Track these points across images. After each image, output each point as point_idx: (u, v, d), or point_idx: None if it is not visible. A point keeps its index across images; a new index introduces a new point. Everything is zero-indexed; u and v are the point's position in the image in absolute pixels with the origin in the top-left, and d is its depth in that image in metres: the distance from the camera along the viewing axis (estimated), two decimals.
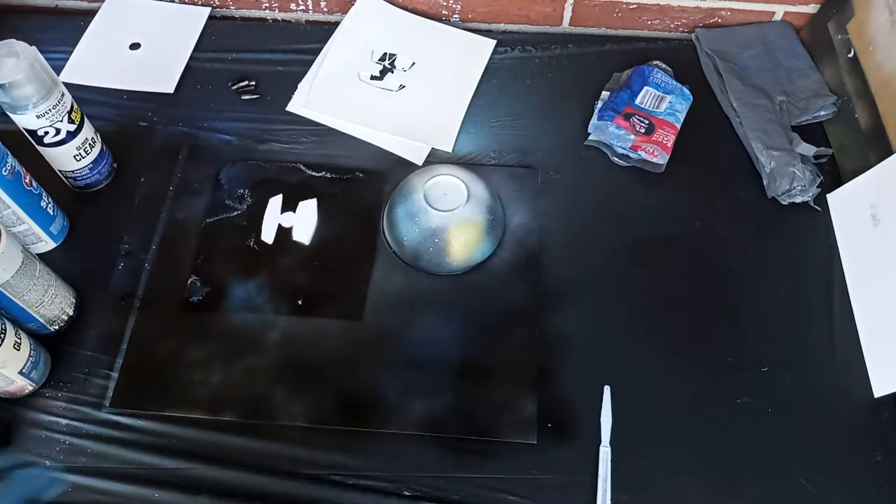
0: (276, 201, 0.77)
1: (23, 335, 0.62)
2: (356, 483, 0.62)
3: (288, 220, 0.76)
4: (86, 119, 0.72)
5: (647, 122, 0.79)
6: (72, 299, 0.69)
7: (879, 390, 0.65)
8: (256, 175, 0.78)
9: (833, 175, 0.78)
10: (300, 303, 0.70)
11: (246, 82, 0.85)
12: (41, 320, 0.65)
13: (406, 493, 0.61)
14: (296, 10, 0.93)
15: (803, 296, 0.71)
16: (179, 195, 0.77)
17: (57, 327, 0.67)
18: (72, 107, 0.69)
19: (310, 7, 0.92)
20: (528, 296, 0.71)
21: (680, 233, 0.75)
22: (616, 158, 0.79)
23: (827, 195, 0.77)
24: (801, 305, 0.71)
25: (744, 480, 0.62)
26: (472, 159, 0.80)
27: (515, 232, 0.75)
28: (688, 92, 0.82)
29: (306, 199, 0.77)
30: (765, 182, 0.77)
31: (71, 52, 0.87)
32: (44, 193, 0.70)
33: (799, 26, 0.89)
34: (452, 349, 0.68)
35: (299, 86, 0.85)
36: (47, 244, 0.72)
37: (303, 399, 0.65)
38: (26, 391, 0.65)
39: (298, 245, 0.74)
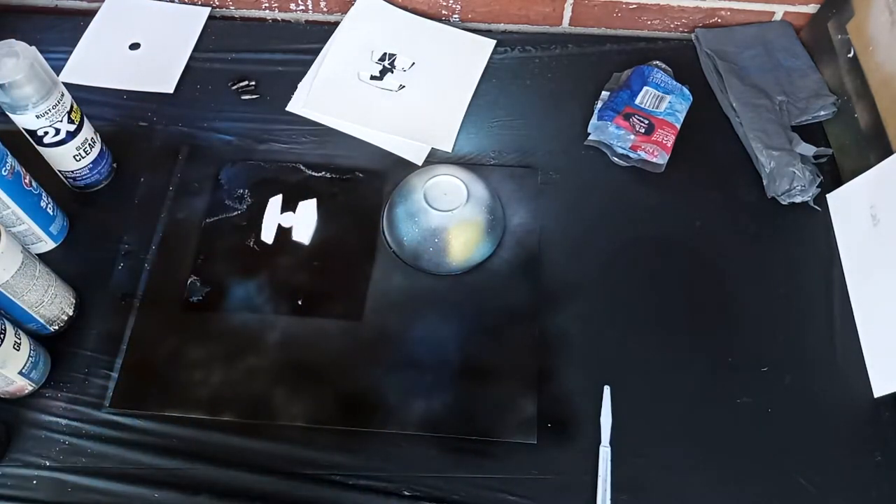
0: (275, 201, 0.77)
1: (23, 335, 0.62)
2: (356, 483, 0.62)
3: (288, 220, 0.76)
4: (85, 119, 0.72)
5: (646, 122, 0.79)
6: (72, 299, 0.69)
7: (879, 390, 0.65)
8: (256, 175, 0.78)
9: (833, 175, 0.78)
10: (300, 303, 0.70)
11: (246, 82, 0.85)
12: (41, 320, 0.65)
13: (406, 493, 0.61)
14: (296, 10, 0.93)
15: (803, 296, 0.71)
16: (179, 195, 0.77)
17: (57, 327, 0.67)
18: (71, 107, 0.69)
19: (310, 7, 0.92)
20: (528, 296, 0.71)
21: (680, 233, 0.75)
22: (616, 158, 0.79)
23: (827, 195, 0.77)
24: (801, 305, 0.71)
25: (744, 480, 0.62)
26: (472, 159, 0.80)
27: (515, 232, 0.75)
28: (688, 92, 0.82)
29: (306, 199, 0.77)
30: (765, 182, 0.77)
31: (71, 52, 0.87)
32: (43, 193, 0.70)
33: (799, 26, 0.89)
34: (452, 349, 0.68)
35: (299, 86, 0.85)
36: (47, 244, 0.72)
37: (303, 399, 0.65)
38: (26, 391, 0.65)
39: (298, 245, 0.74)
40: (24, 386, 0.64)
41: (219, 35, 0.90)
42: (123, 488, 0.61)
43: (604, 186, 0.78)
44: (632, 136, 0.78)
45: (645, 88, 0.81)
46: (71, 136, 0.70)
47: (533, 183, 0.78)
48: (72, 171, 0.74)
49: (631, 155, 0.78)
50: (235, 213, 0.76)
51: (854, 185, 0.73)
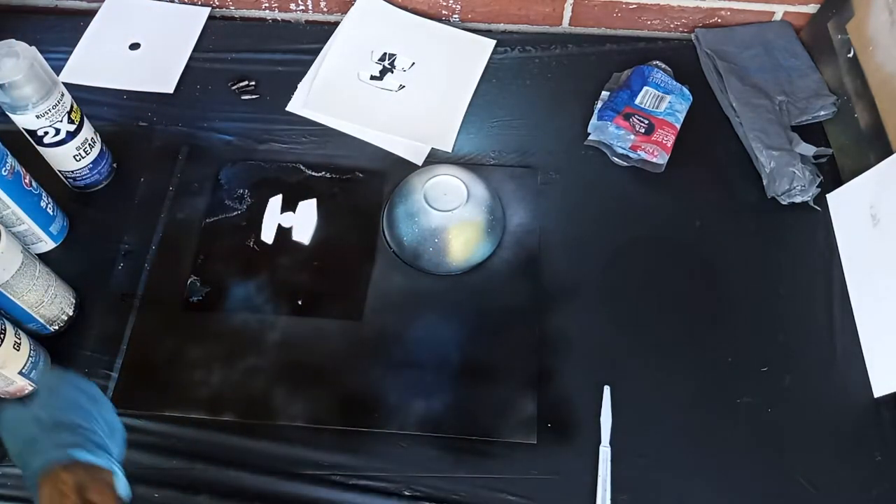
0: (275, 201, 0.76)
1: (23, 335, 0.62)
2: (356, 483, 0.62)
3: (288, 220, 0.75)
4: (85, 119, 0.72)
5: (646, 122, 0.79)
6: (72, 299, 0.68)
7: (879, 390, 0.65)
8: (256, 175, 0.78)
9: (833, 175, 0.78)
10: (300, 303, 0.70)
11: (246, 82, 0.85)
12: (41, 320, 0.65)
13: (406, 493, 0.61)
14: (296, 10, 0.93)
15: (803, 296, 0.71)
16: (179, 195, 0.77)
17: (57, 327, 0.67)
18: (71, 107, 0.69)
19: (310, 7, 0.92)
20: (528, 296, 0.71)
21: (680, 233, 0.75)
22: (616, 158, 0.79)
23: (827, 195, 0.77)
24: (801, 305, 0.71)
25: (744, 480, 0.62)
26: (472, 159, 0.80)
27: (515, 232, 0.75)
28: (687, 92, 0.82)
29: (306, 199, 0.77)
30: (765, 182, 0.77)
31: (71, 52, 0.87)
32: (44, 193, 0.70)
33: (799, 26, 0.89)
34: (452, 349, 0.68)
35: (299, 86, 0.85)
36: (47, 244, 0.72)
37: (303, 399, 0.65)
38: (26, 391, 0.64)
39: (298, 245, 0.74)
40: (24, 386, 0.64)
41: (219, 35, 0.90)
42: None
43: (604, 186, 0.78)
44: (632, 136, 0.78)
45: (645, 88, 0.81)
46: (71, 136, 0.70)
47: (533, 183, 0.78)
48: (72, 171, 0.74)
49: (631, 155, 0.78)
50: (235, 213, 0.76)
51: (854, 185, 0.73)
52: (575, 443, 0.64)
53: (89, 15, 0.90)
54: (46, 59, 0.66)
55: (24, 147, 0.70)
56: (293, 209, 0.76)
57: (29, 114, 0.66)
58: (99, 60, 0.87)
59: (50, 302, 0.65)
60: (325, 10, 0.92)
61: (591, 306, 0.71)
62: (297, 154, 0.80)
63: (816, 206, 0.76)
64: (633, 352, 0.68)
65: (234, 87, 0.85)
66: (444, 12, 0.91)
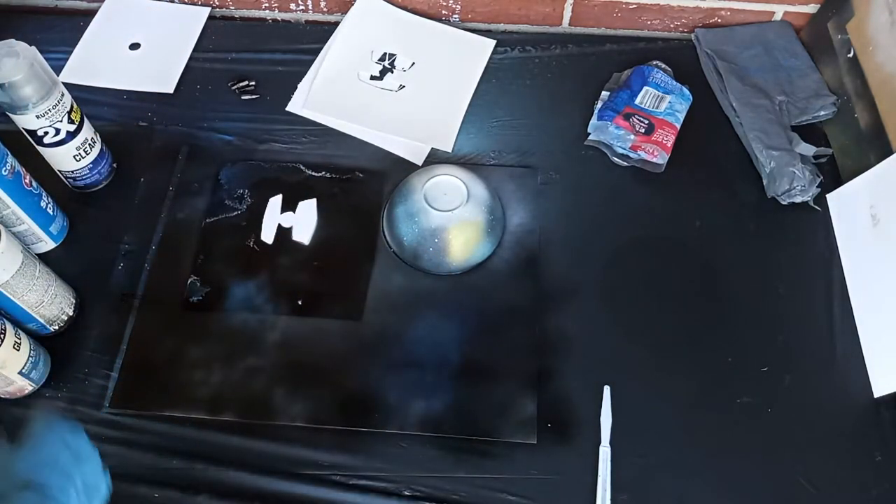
0: (275, 201, 0.76)
1: (23, 335, 0.62)
2: (356, 483, 0.62)
3: (288, 220, 0.75)
4: (85, 119, 0.72)
5: (646, 122, 0.79)
6: (72, 299, 0.68)
7: (879, 390, 0.65)
8: (256, 175, 0.78)
9: (833, 175, 0.78)
10: (300, 303, 0.70)
11: (246, 82, 0.85)
12: (41, 320, 0.65)
13: (406, 493, 0.61)
14: (296, 10, 0.93)
15: (803, 296, 0.71)
16: (179, 195, 0.77)
17: (57, 327, 0.67)
18: (71, 107, 0.69)
19: (310, 7, 0.92)
20: (527, 296, 0.71)
21: (680, 233, 0.75)
22: (616, 158, 0.79)
23: (827, 195, 0.77)
24: (801, 305, 0.71)
25: (744, 480, 0.62)
26: (472, 159, 0.80)
27: (515, 232, 0.75)
28: (687, 92, 0.82)
29: (306, 199, 0.77)
30: (765, 182, 0.77)
31: (71, 52, 0.87)
32: (44, 193, 0.70)
33: (799, 26, 0.89)
34: (452, 349, 0.68)
35: (299, 86, 0.85)
36: (47, 244, 0.72)
37: (303, 399, 0.65)
38: (26, 391, 0.65)
39: (298, 245, 0.74)
40: (24, 386, 0.64)
41: (219, 35, 0.90)
42: (123, 488, 0.61)
43: (604, 186, 0.78)
44: (632, 136, 0.78)
45: (645, 88, 0.81)
46: (71, 136, 0.70)
47: (533, 183, 0.78)
48: (72, 171, 0.74)
49: (631, 155, 0.78)
50: (235, 213, 0.76)
51: (854, 185, 0.73)
52: (575, 443, 0.64)
53: (89, 15, 0.90)
54: (46, 59, 0.66)
55: (24, 147, 0.70)
56: (293, 209, 0.76)
57: (29, 114, 0.66)
58: (99, 60, 0.87)
59: (50, 302, 0.65)
60: (325, 10, 0.93)
61: (591, 306, 0.71)
62: (297, 154, 0.80)
63: (816, 206, 0.76)
64: (633, 352, 0.68)
65: (234, 87, 0.85)
66: (444, 12, 0.91)
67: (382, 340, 0.69)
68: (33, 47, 0.65)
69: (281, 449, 0.64)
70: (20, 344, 0.61)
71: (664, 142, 0.78)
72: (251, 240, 0.74)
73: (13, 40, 0.65)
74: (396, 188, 0.75)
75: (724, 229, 0.75)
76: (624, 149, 0.78)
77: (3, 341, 0.59)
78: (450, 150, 0.81)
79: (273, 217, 0.76)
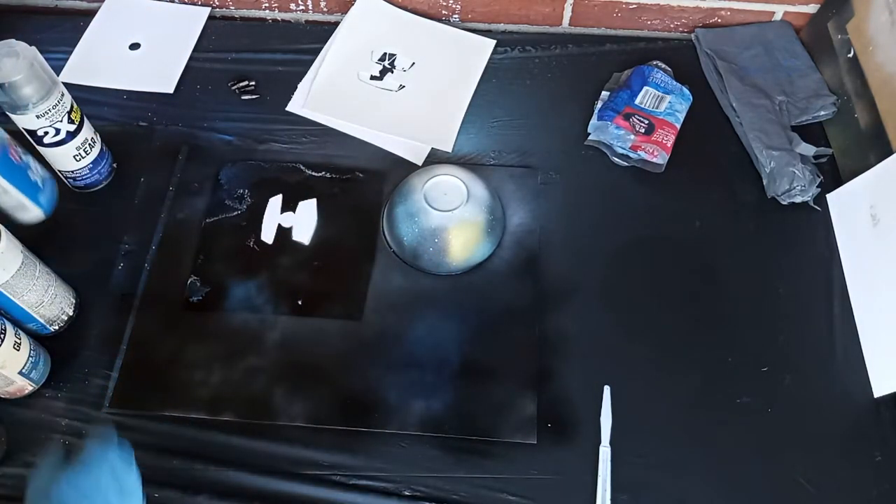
0: (275, 201, 0.77)
1: (23, 335, 0.62)
2: (356, 483, 0.62)
3: (288, 220, 0.75)
4: (86, 119, 0.72)
5: (646, 122, 0.79)
6: (72, 299, 0.68)
7: (879, 390, 0.65)
8: (256, 175, 0.78)
9: (833, 175, 0.78)
10: (300, 303, 0.70)
11: (246, 82, 0.85)
12: (41, 320, 0.65)
13: (406, 493, 0.61)
14: (296, 10, 0.93)
15: (803, 296, 0.71)
16: (179, 195, 0.77)
17: (57, 327, 0.67)
18: (71, 107, 0.69)
19: (310, 7, 0.92)
20: (527, 296, 0.71)
21: (680, 233, 0.75)
22: (616, 158, 0.79)
23: (827, 195, 0.77)
24: (801, 305, 0.71)
25: (744, 480, 0.62)
26: (472, 159, 0.80)
27: (515, 232, 0.75)
28: (687, 92, 0.82)
29: (306, 199, 0.77)
30: (765, 182, 0.77)
31: (71, 52, 0.87)
32: (33, 165, 0.69)
33: (799, 26, 0.89)
34: (452, 349, 0.68)
35: (299, 86, 0.85)
36: (36, 213, 0.70)
37: (303, 399, 0.65)
38: (26, 391, 0.65)
39: (298, 245, 0.74)
40: (24, 386, 0.64)
41: (219, 35, 0.90)
42: None
43: (604, 186, 0.78)
44: (632, 136, 0.78)
45: (645, 88, 0.81)
46: (71, 136, 0.70)
47: (533, 183, 0.78)
48: (72, 171, 0.74)
49: (631, 155, 0.78)
50: (235, 213, 0.76)
51: (854, 185, 0.73)
52: (575, 443, 0.64)
53: (89, 15, 0.90)
54: (46, 59, 0.66)
55: (24, 147, 0.69)
56: (293, 209, 0.76)
57: (29, 114, 0.66)
58: (99, 60, 0.87)
59: (50, 302, 0.65)
60: (325, 10, 0.93)
61: (591, 306, 0.71)
62: (297, 154, 0.80)
63: (816, 206, 0.76)
64: (633, 352, 0.68)
65: (234, 87, 0.85)
66: (444, 12, 0.91)
67: (382, 340, 0.69)
68: (33, 47, 0.65)
69: (281, 449, 0.64)
70: (20, 344, 0.61)
71: (664, 142, 0.78)
72: (251, 240, 0.74)
73: (13, 40, 0.65)
74: (396, 188, 0.75)
75: (724, 229, 0.75)
76: (624, 149, 0.78)
77: (3, 341, 0.59)
78: (450, 150, 0.81)
79: (273, 217, 0.76)
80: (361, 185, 0.78)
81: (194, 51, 0.88)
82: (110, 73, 0.85)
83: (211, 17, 0.91)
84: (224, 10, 0.93)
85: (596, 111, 0.81)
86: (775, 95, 0.82)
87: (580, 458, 0.63)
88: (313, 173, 0.79)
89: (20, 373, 0.62)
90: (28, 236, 0.64)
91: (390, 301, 0.71)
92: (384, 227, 0.74)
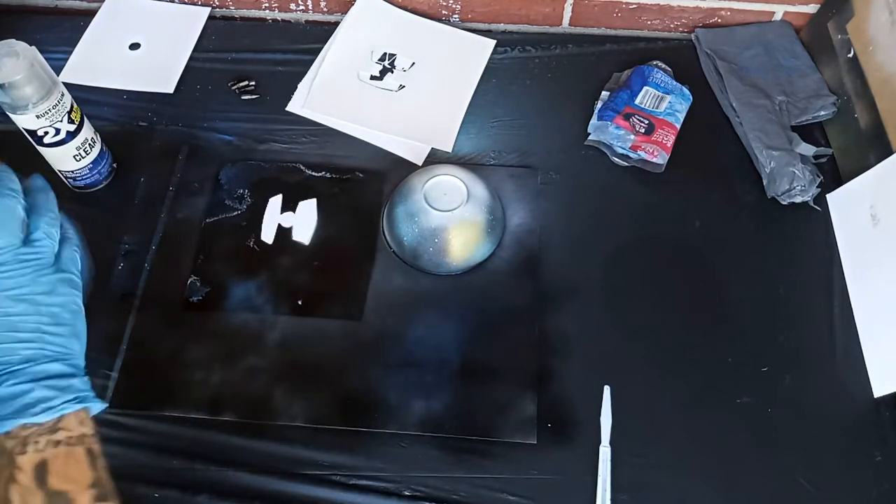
0: (275, 201, 0.77)
1: None
2: (356, 483, 0.62)
3: (288, 220, 0.76)
4: (86, 119, 0.72)
5: (646, 122, 0.79)
6: None
7: (879, 390, 0.65)
8: (256, 175, 0.78)
9: (833, 175, 0.78)
10: (300, 303, 0.70)
11: (246, 82, 0.85)
12: None
13: (406, 493, 0.61)
14: (296, 10, 0.93)
15: (803, 296, 0.71)
16: (179, 195, 0.77)
17: None
18: (71, 107, 0.69)
19: (310, 7, 0.92)
20: (528, 296, 0.71)
21: (680, 233, 0.75)
22: (616, 158, 0.79)
23: (827, 195, 0.77)
24: (801, 305, 0.71)
25: (744, 480, 0.62)
26: (472, 159, 0.80)
27: (515, 232, 0.75)
28: (687, 92, 0.82)
29: (306, 199, 0.77)
30: (765, 182, 0.77)
31: (71, 52, 0.87)
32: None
33: (799, 26, 0.89)
34: (452, 349, 0.68)
35: (299, 86, 0.85)
36: None
37: (303, 399, 0.65)
38: None
39: (298, 245, 0.74)
40: None
41: (219, 35, 0.90)
42: (123, 488, 0.61)
43: (604, 186, 0.78)
44: (632, 136, 0.78)
45: (645, 88, 0.81)
46: (71, 136, 0.70)
47: (533, 183, 0.78)
48: (72, 171, 0.74)
49: (631, 155, 0.78)
50: (235, 213, 0.76)
51: (854, 185, 0.73)
52: (575, 443, 0.64)
53: (89, 15, 0.90)
54: (46, 59, 0.66)
55: (25, 147, 0.70)
56: (293, 209, 0.76)
57: (29, 114, 0.66)
58: (99, 60, 0.87)
59: None
60: (325, 10, 0.93)
61: (591, 306, 0.71)
62: (297, 154, 0.80)
63: (816, 206, 0.76)
64: (633, 352, 0.68)
65: (234, 87, 0.85)
66: (444, 12, 0.91)
67: (382, 340, 0.69)
68: (33, 47, 0.65)
69: (281, 449, 0.64)
70: None
71: (664, 142, 0.78)
72: (251, 240, 0.74)
73: (13, 40, 0.65)
74: (396, 188, 0.75)
75: (724, 229, 0.75)
76: (624, 149, 0.78)
77: None
78: (450, 150, 0.81)
79: (273, 217, 0.76)
80: (361, 185, 0.78)
81: (194, 51, 0.88)
82: (110, 73, 0.85)
83: (211, 17, 0.91)
84: (224, 10, 0.93)
85: (596, 111, 0.81)
86: (775, 95, 0.82)
87: (580, 458, 0.63)
88: (313, 173, 0.79)
89: None
90: None
91: (390, 301, 0.71)
92: (384, 227, 0.74)
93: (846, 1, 0.80)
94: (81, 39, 0.88)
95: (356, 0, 0.91)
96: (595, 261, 0.73)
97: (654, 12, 0.89)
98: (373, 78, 0.86)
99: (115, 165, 0.78)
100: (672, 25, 0.91)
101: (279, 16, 0.94)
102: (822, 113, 0.81)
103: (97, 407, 0.46)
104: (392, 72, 0.86)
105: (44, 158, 0.72)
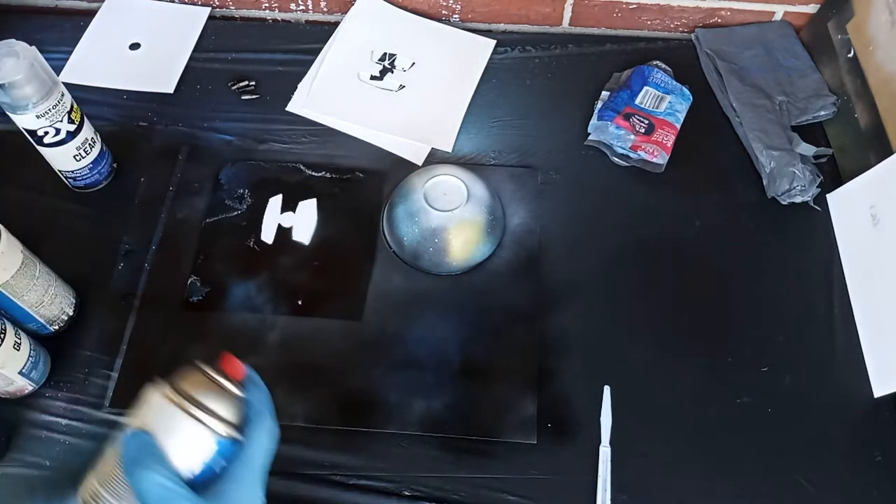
0: (275, 201, 0.77)
1: (23, 335, 0.62)
2: (356, 483, 0.62)
3: (288, 220, 0.75)
4: (86, 119, 0.72)
5: (646, 122, 0.79)
6: (72, 299, 0.68)
7: (879, 390, 0.65)
8: (256, 175, 0.78)
9: (833, 175, 0.78)
10: (300, 303, 0.70)
11: (246, 82, 0.85)
12: (41, 320, 0.65)
13: (406, 493, 0.61)
14: (296, 10, 0.93)
15: (803, 296, 0.71)
16: (179, 195, 0.77)
17: (57, 327, 0.67)
18: (72, 107, 0.69)
19: (310, 7, 0.92)
20: (528, 296, 0.71)
21: (680, 233, 0.75)
22: (616, 158, 0.79)
23: (827, 195, 0.77)
24: (801, 305, 0.71)
25: (744, 480, 0.62)
26: (472, 159, 0.80)
27: (515, 232, 0.75)
28: (688, 92, 0.82)
29: (306, 199, 0.77)
30: (765, 182, 0.77)
31: (71, 52, 0.87)
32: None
33: (799, 26, 0.89)
34: (452, 349, 0.68)
35: (299, 86, 0.85)
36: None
37: (303, 399, 0.65)
38: (26, 391, 0.65)
39: (298, 245, 0.74)
40: (25, 386, 0.64)
41: (219, 35, 0.90)
42: None
43: (604, 186, 0.78)
44: (632, 136, 0.78)
45: (645, 88, 0.81)
46: (71, 136, 0.70)
47: (533, 183, 0.78)
48: (72, 171, 0.74)
49: (631, 155, 0.78)
50: (235, 213, 0.76)
51: (854, 185, 0.73)
52: (575, 443, 0.64)
53: (89, 15, 0.90)
54: (46, 59, 0.66)
55: (25, 147, 0.70)
56: (293, 209, 0.76)
57: (29, 114, 0.66)
58: (99, 60, 0.87)
59: (50, 302, 0.65)
60: (325, 10, 0.93)
61: (591, 306, 0.71)
62: (297, 154, 0.80)
63: (816, 206, 0.76)
64: (633, 352, 0.68)
65: (234, 87, 0.85)
66: (444, 12, 0.91)
67: (382, 340, 0.69)
68: (33, 47, 0.65)
69: (281, 449, 0.63)
70: (20, 344, 0.61)
71: (664, 142, 0.78)
72: (251, 240, 0.74)
73: (13, 40, 0.65)
74: (396, 188, 0.75)
75: (724, 229, 0.75)
76: (624, 149, 0.78)
77: (3, 341, 0.59)
78: (450, 150, 0.81)
79: (273, 217, 0.76)
80: (361, 185, 0.78)
81: (194, 51, 0.88)
82: (110, 73, 0.85)
83: (211, 17, 0.91)
84: (224, 10, 0.93)
85: (596, 111, 0.81)
86: (775, 95, 0.82)
87: (580, 458, 0.63)
88: (313, 173, 0.79)
89: (20, 373, 0.62)
90: (28, 236, 0.64)
91: (390, 301, 0.71)
92: (384, 227, 0.74)
93: (846, 1, 0.80)
94: (81, 39, 0.88)
95: (356, 0, 0.91)
96: (595, 261, 0.73)
97: (654, 12, 0.89)
98: (373, 78, 0.86)
99: (115, 165, 0.78)
100: (672, 25, 0.91)
101: (279, 16, 0.94)
102: (822, 113, 0.81)
103: None
104: (392, 72, 0.86)
105: (44, 158, 0.72)
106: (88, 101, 0.79)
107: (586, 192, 0.78)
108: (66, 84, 0.70)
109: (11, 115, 0.67)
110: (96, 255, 0.73)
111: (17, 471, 0.62)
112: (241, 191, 0.77)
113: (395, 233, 0.73)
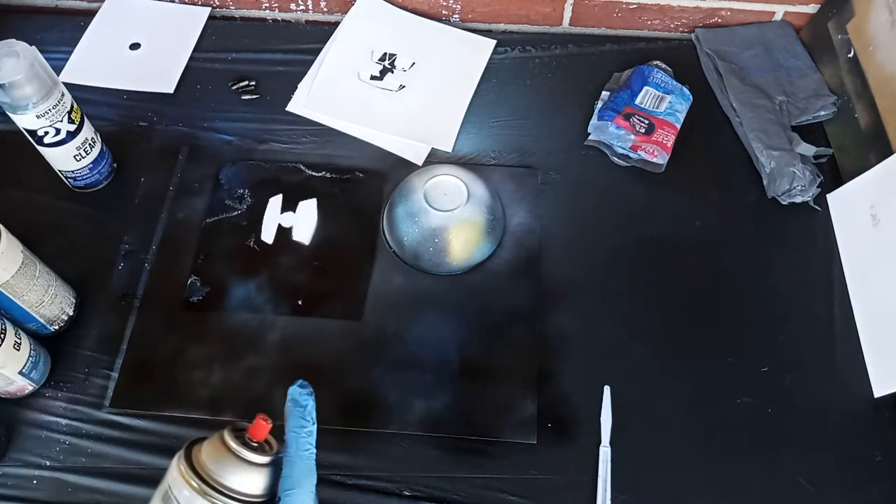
0: (276, 201, 0.77)
1: (23, 335, 0.62)
2: (356, 483, 0.62)
3: (288, 220, 0.76)
4: (86, 119, 0.72)
5: (647, 122, 0.79)
6: (72, 299, 0.68)
7: (879, 390, 0.65)
8: (256, 175, 0.78)
9: (833, 175, 0.78)
10: (300, 303, 0.70)
11: (246, 82, 0.85)
12: (41, 320, 0.65)
13: (406, 493, 0.61)
14: (296, 10, 0.93)
15: (803, 296, 0.71)
16: (179, 195, 0.77)
17: (57, 327, 0.67)
18: (72, 107, 0.69)
19: (310, 7, 0.92)
20: (528, 296, 0.71)
21: (680, 233, 0.75)
22: (616, 158, 0.79)
23: (827, 195, 0.77)
24: (801, 305, 0.71)
25: (744, 480, 0.62)
26: (472, 159, 0.80)
27: (515, 232, 0.75)
28: (688, 92, 0.82)
29: (306, 199, 0.77)
30: (765, 182, 0.77)
31: (71, 52, 0.87)
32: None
33: (799, 26, 0.89)
34: (452, 349, 0.68)
35: (299, 86, 0.85)
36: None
37: None
38: (26, 391, 0.65)
39: (298, 245, 0.74)
40: (25, 386, 0.64)
41: (219, 35, 0.90)
42: (123, 488, 0.62)
43: (604, 186, 0.78)
44: (632, 136, 0.78)
45: (645, 88, 0.81)
46: (71, 136, 0.70)
47: (533, 183, 0.78)
48: (72, 171, 0.74)
49: (631, 155, 0.78)
50: (235, 213, 0.76)
51: (854, 185, 0.73)
52: (575, 443, 0.64)
53: (89, 15, 0.90)
54: (46, 59, 0.66)
55: (25, 147, 0.70)
56: (293, 209, 0.76)
57: (29, 114, 0.66)
58: (99, 60, 0.87)
59: (50, 302, 0.65)
60: (325, 10, 0.93)
61: (591, 306, 0.71)
62: (297, 154, 0.80)
63: (816, 206, 0.76)
64: (633, 352, 0.68)
65: (234, 87, 0.85)
66: (444, 12, 0.91)
67: (382, 340, 0.69)
68: (33, 47, 0.65)
69: None
70: (20, 344, 0.61)
71: (664, 142, 0.78)
72: (251, 240, 0.74)
73: (13, 40, 0.65)
74: (396, 188, 0.75)
75: (724, 229, 0.75)
76: (624, 149, 0.78)
77: (3, 341, 0.59)
78: (450, 150, 0.81)
79: (273, 217, 0.76)
80: (361, 185, 0.78)
81: (194, 51, 0.88)
82: (110, 73, 0.85)
83: (211, 17, 0.91)
84: (224, 10, 0.93)
85: (596, 111, 0.81)
86: (775, 95, 0.82)
87: (580, 458, 0.63)
88: (313, 173, 0.79)
89: (20, 373, 0.62)
90: (28, 236, 0.64)
91: (390, 301, 0.71)
92: (384, 227, 0.74)
93: (846, 1, 0.80)
94: (81, 39, 0.88)
95: (356, 0, 0.91)
96: (595, 261, 0.73)
97: (654, 12, 0.89)
98: (373, 78, 0.86)
99: (115, 165, 0.78)
100: (672, 25, 0.91)
101: (279, 16, 0.94)
102: (822, 113, 0.81)
103: None
104: (392, 72, 0.86)
105: (44, 158, 0.72)
106: (88, 101, 0.79)
107: (586, 192, 0.78)
108: (66, 84, 0.70)
109: (11, 115, 0.67)
110: (96, 255, 0.73)
111: (17, 471, 0.62)
112: (241, 191, 0.77)
113: (395, 233, 0.73)
